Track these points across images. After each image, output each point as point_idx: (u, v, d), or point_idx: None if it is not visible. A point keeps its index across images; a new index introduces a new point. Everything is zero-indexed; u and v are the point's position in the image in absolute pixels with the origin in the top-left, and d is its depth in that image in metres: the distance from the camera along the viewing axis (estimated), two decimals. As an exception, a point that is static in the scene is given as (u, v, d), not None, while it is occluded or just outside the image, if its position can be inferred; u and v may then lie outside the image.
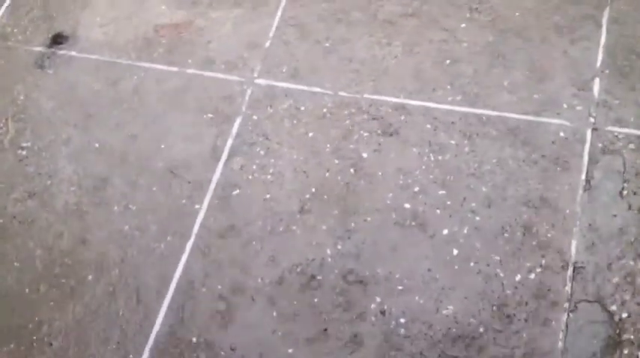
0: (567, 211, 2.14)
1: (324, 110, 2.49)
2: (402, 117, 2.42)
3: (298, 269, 2.20)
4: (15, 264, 2.38)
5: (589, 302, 2.01)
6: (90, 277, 2.31)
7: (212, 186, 2.41)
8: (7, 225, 2.46)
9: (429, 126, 2.38)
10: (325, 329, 2.09)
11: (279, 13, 2.75)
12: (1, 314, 2.29)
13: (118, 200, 2.44)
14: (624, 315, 1.97)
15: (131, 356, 2.15)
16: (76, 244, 2.38)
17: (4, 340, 2.24)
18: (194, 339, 2.14)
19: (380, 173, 2.33)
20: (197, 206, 2.38)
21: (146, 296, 2.24)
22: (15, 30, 2.96)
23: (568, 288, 2.03)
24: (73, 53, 2.84)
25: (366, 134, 2.41)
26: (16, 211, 2.49)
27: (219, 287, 2.22)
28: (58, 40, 2.87)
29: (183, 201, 2.40)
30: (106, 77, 2.74)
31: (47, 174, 2.56)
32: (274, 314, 2.14)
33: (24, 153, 2.63)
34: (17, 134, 2.68)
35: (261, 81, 2.61)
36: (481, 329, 2.01)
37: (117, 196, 2.45)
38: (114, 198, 2.45)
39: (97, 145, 2.59)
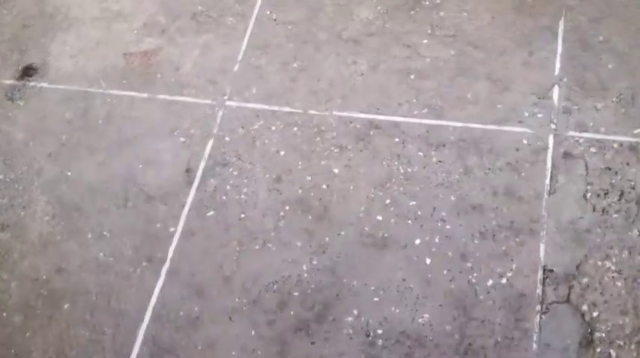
0: (534, 216, 2.20)
1: (295, 129, 2.54)
2: (371, 132, 2.47)
3: (275, 287, 2.22)
4: (-11, 297, 2.36)
5: (560, 303, 2.05)
6: (66, 306, 2.30)
7: (186, 208, 2.43)
8: (-19, 259, 2.44)
9: (397, 139, 2.44)
10: (304, 345, 2.10)
11: (246, 37, 2.80)
12: (-24, 348, 2.26)
13: (92, 227, 2.44)
14: (595, 314, 2.02)
15: (110, 383, 2.13)
16: (51, 274, 2.37)
17: (-21, 375, 2.21)
18: (173, 362, 2.14)
19: (351, 187, 2.37)
20: (172, 229, 2.39)
21: (123, 323, 2.23)
22: (-16, 64, 2.98)
23: (539, 291, 2.08)
24: (44, 84, 2.85)
25: (336, 150, 2.46)
26: (-11, 244, 2.48)
27: (196, 308, 2.22)
28: (28, 72, 2.89)
29: (158, 225, 2.41)
30: (76, 106, 2.76)
31: (20, 206, 2.55)
32: (252, 333, 2.15)
33: (-4, 185, 2.62)
34: (-11, 167, 2.67)
35: (231, 103, 2.65)
36: (456, 336, 2.04)
37: (91, 224, 2.45)
38: (88, 226, 2.45)
39: (69, 174, 2.59)
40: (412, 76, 2.57)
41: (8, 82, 2.89)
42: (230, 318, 2.18)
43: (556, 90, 2.44)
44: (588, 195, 2.22)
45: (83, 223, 2.45)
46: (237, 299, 2.21)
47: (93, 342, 2.21)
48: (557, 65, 2.50)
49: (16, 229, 2.49)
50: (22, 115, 2.79)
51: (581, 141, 2.32)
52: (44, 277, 2.37)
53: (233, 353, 2.12)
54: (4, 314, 2.31)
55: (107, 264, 2.35)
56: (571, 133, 2.34)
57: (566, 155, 2.30)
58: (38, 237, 2.46)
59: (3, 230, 2.50)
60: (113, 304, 2.27)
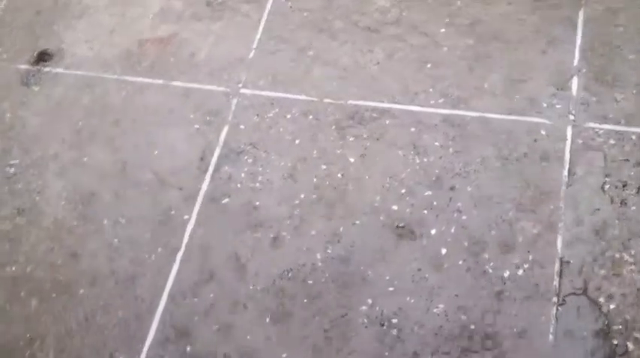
0: (552, 207, 2.18)
1: (310, 117, 2.53)
2: (387, 121, 2.45)
3: (289, 275, 2.22)
4: (6, 281, 2.37)
5: (577, 295, 2.04)
6: (81, 291, 2.31)
7: (201, 196, 2.43)
8: (-3, 243, 2.46)
9: (413, 129, 2.42)
10: (317, 333, 2.10)
11: (262, 24, 2.79)
12: (-8, 332, 2.28)
13: (107, 213, 2.45)
14: (612, 307, 2.00)
15: (125, 368, 2.15)
16: (66, 259, 2.38)
17: (-4, 358, 2.23)
18: (188, 348, 2.14)
19: (367, 176, 2.36)
20: (186, 216, 2.39)
21: (138, 308, 2.24)
22: (0, 49, 2.98)
23: (556, 283, 2.06)
24: (59, 70, 2.85)
25: (352, 139, 2.45)
26: (5, 228, 2.49)
27: (211, 295, 2.22)
28: (43, 57, 2.89)
29: (173, 212, 2.41)
30: (92, 92, 2.76)
31: (36, 191, 2.56)
32: (267, 320, 2.15)
33: (12, 170, 2.63)
34: (4, 152, 2.68)
35: (246, 90, 2.64)
36: (472, 326, 2.04)
37: (106, 210, 2.46)
38: (103, 212, 2.45)
39: (85, 159, 2.60)
40: (429, 65, 2.55)
41: (23, 67, 2.89)
42: (244, 305, 2.18)
43: (575, 81, 2.42)
44: (606, 186, 2.20)
45: (98, 209, 2.46)
46: (251, 287, 2.21)
47: (108, 327, 2.22)
48: (577, 55, 2.47)
49: (32, 214, 2.50)
50: (37, 101, 2.79)
51: (600, 132, 2.30)
52: (59, 262, 2.38)
53: (248, 337, 2.13)
54: (20, 299, 2.32)
55: (122, 250, 2.36)
56: (590, 124, 2.32)
57: (585, 146, 2.28)
58: (53, 222, 2.47)
59: (19, 215, 2.51)
60: (128, 290, 2.28)
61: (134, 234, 2.38)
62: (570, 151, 2.28)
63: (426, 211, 2.25)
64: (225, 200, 2.40)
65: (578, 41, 2.50)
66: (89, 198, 2.49)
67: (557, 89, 2.41)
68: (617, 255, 2.08)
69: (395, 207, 2.28)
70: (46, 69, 2.86)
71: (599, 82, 2.40)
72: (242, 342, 2.12)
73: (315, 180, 2.39)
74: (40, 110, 2.77)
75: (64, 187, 2.54)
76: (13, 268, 2.39)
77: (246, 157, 2.48)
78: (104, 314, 2.25)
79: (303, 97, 2.57)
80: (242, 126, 2.56)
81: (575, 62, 2.45)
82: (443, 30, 2.62)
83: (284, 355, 2.09)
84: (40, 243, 2.43)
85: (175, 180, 2.48)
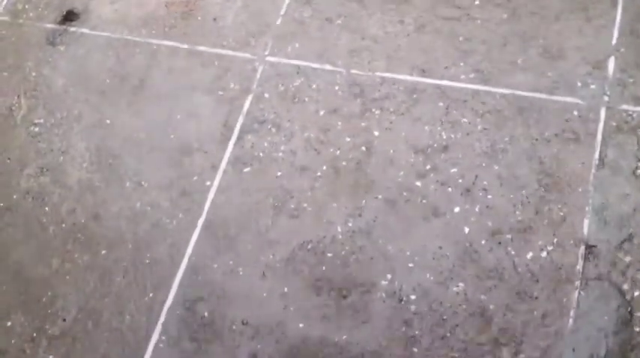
0: (580, 190, 2.13)
1: (336, 88, 2.48)
2: (414, 96, 2.40)
3: (309, 247, 2.21)
4: (28, 239, 2.40)
5: (600, 280, 2.01)
6: (103, 252, 2.33)
7: (223, 163, 2.42)
8: (21, 201, 2.48)
9: (441, 104, 2.37)
10: (335, 305, 2.10)
11: (290, -10, 2.72)
12: (15, 288, 2.32)
13: (129, 176, 2.45)
14: (636, 294, 1.97)
15: (144, 329, 2.17)
16: (88, 220, 2.40)
17: (19, 313, 2.27)
18: (206, 314, 2.16)
19: (391, 151, 2.32)
20: (208, 183, 2.39)
21: (158, 272, 2.26)
22: (27, 6, 2.96)
23: (579, 267, 2.03)
24: (85, 30, 2.83)
25: (377, 112, 2.40)
26: (29, 187, 2.51)
27: (231, 263, 2.23)
28: (69, 17, 2.87)
29: (195, 178, 2.41)
30: (117, 54, 2.74)
31: (60, 151, 2.57)
32: (285, 290, 2.16)
33: (36, 129, 2.64)
34: (29, 111, 2.69)
35: (272, 58, 2.60)
36: (491, 307, 2.02)
37: (129, 173, 2.46)
38: (126, 175, 2.46)
39: (108, 122, 2.59)
40: (461, 39, 2.48)
41: (50, 26, 2.88)
42: (264, 274, 2.19)
43: (612, 61, 2.33)
44: (638, 171, 2.14)
45: (121, 171, 2.47)
46: (271, 256, 2.22)
47: (128, 288, 2.25)
48: (615, 34, 2.38)
49: (55, 174, 2.52)
50: (62, 60, 2.78)
51: (634, 115, 2.23)
52: (82, 221, 2.40)
53: (266, 306, 2.14)
54: (42, 258, 2.36)
55: (144, 213, 2.37)
56: (624, 107, 2.25)
57: (618, 129, 2.21)
58: (77, 182, 2.48)
59: (42, 174, 2.53)
60: (150, 253, 2.29)
61: (156, 198, 2.39)
62: (603, 133, 2.21)
63: (450, 189, 2.22)
64: (248, 169, 2.39)
65: (618, 19, 2.40)
66: (112, 160, 2.50)
67: (593, 68, 2.33)
68: (645, 242, 2.04)
69: (419, 183, 2.25)
70: (72, 29, 2.84)
71: (637, 63, 2.31)
72: (260, 310, 2.14)
73: (338, 152, 2.36)
74: (65, 70, 2.76)
75: (87, 148, 2.55)
76: (36, 227, 2.42)
77: (269, 126, 2.45)
78: (125, 276, 2.27)
79: (329, 67, 2.53)
80: (266, 95, 2.52)
81: (614, 41, 2.37)
82: (477, 2, 2.54)
83: (301, 324, 2.10)
84: (63, 202, 2.45)
85: (198, 146, 2.47)
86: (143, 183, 2.43)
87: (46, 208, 2.45)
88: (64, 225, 2.40)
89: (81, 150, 2.55)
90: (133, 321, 2.20)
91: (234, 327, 2.12)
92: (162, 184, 2.41)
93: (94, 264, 2.31)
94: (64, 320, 2.24)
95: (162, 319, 2.19)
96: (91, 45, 2.79)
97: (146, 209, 2.38)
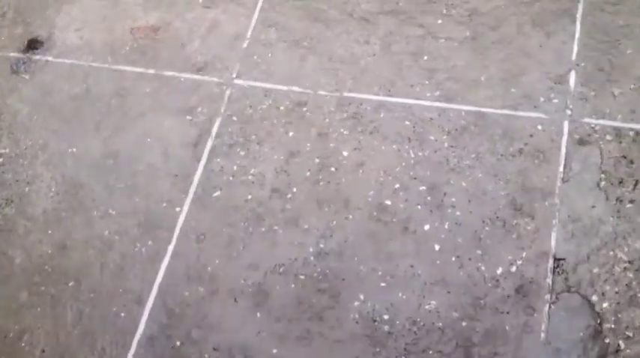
0: (546, 203, 2.16)
1: (304, 109, 2.49)
2: (381, 115, 2.42)
3: (281, 270, 2.20)
4: (-6, 272, 2.35)
5: (570, 293, 2.02)
6: (71, 283, 2.28)
7: (192, 188, 2.40)
8: (-15, 234, 2.43)
9: (407, 122, 2.39)
10: (309, 328, 2.09)
11: (256, 14, 2.74)
12: (-20, 323, 2.25)
13: (97, 205, 2.42)
14: (605, 305, 1.99)
15: (114, 361, 2.13)
16: (55, 250, 2.35)
17: (-16, 350, 2.21)
18: (177, 343, 2.13)
19: (361, 171, 2.33)
20: (177, 209, 2.37)
21: (128, 301, 2.22)
22: (-11, 36, 2.93)
23: (549, 280, 2.05)
24: (49, 58, 2.80)
25: (345, 132, 2.41)
26: (-7, 219, 2.46)
27: (202, 289, 2.20)
28: (33, 45, 2.84)
29: (164, 204, 2.38)
30: (82, 81, 2.71)
31: (25, 181, 2.52)
32: (258, 315, 2.13)
33: (1, 160, 2.59)
34: (-7, 141, 2.64)
35: (240, 81, 2.60)
36: (464, 323, 2.02)
37: (96, 201, 2.43)
38: (93, 203, 2.42)
39: (74, 150, 2.56)
40: (425, 57, 2.51)
41: (13, 54, 2.84)
42: (235, 300, 2.17)
43: (573, 75, 2.38)
44: (602, 183, 2.17)
45: (88, 200, 2.43)
46: (242, 281, 2.19)
47: (98, 320, 2.20)
48: (575, 49, 2.43)
49: (21, 205, 2.47)
50: (27, 89, 2.75)
51: (597, 128, 2.27)
52: (49, 253, 2.35)
53: (238, 331, 2.11)
54: (9, 291, 2.30)
55: (112, 242, 2.33)
56: (587, 120, 2.29)
57: (582, 142, 2.25)
58: (43, 213, 2.44)
59: (8, 205, 2.48)
60: (118, 282, 2.25)
61: (125, 226, 2.36)
62: (567, 147, 2.25)
63: (419, 206, 2.23)
64: (217, 193, 2.37)
65: (577, 34, 2.46)
66: (79, 190, 2.46)
67: (555, 83, 2.37)
68: (612, 253, 2.06)
69: (388, 202, 2.25)
70: (37, 57, 2.81)
71: (597, 76, 2.37)
72: (232, 336, 2.11)
73: (308, 173, 2.36)
74: (30, 99, 2.72)
75: (53, 178, 2.51)
76: (2, 259, 2.36)
77: (238, 149, 2.45)
78: (94, 308, 2.23)
79: (297, 89, 2.53)
80: (235, 118, 2.52)
81: (574, 56, 2.42)
82: (440, 21, 2.58)
83: (274, 350, 2.07)
84: (29, 234, 2.40)
85: (167, 171, 2.45)
86: (111, 211, 2.40)
87: (12, 240, 2.40)
88: (30, 257, 2.35)
89: (47, 180, 2.51)
90: (104, 354, 2.15)
91: (206, 355, 2.09)
92: (131, 211, 2.38)
93: (62, 296, 2.26)
94: (33, 355, 2.18)
95: (133, 349, 2.14)
96: (55, 73, 2.76)
97: (114, 237, 2.34)
